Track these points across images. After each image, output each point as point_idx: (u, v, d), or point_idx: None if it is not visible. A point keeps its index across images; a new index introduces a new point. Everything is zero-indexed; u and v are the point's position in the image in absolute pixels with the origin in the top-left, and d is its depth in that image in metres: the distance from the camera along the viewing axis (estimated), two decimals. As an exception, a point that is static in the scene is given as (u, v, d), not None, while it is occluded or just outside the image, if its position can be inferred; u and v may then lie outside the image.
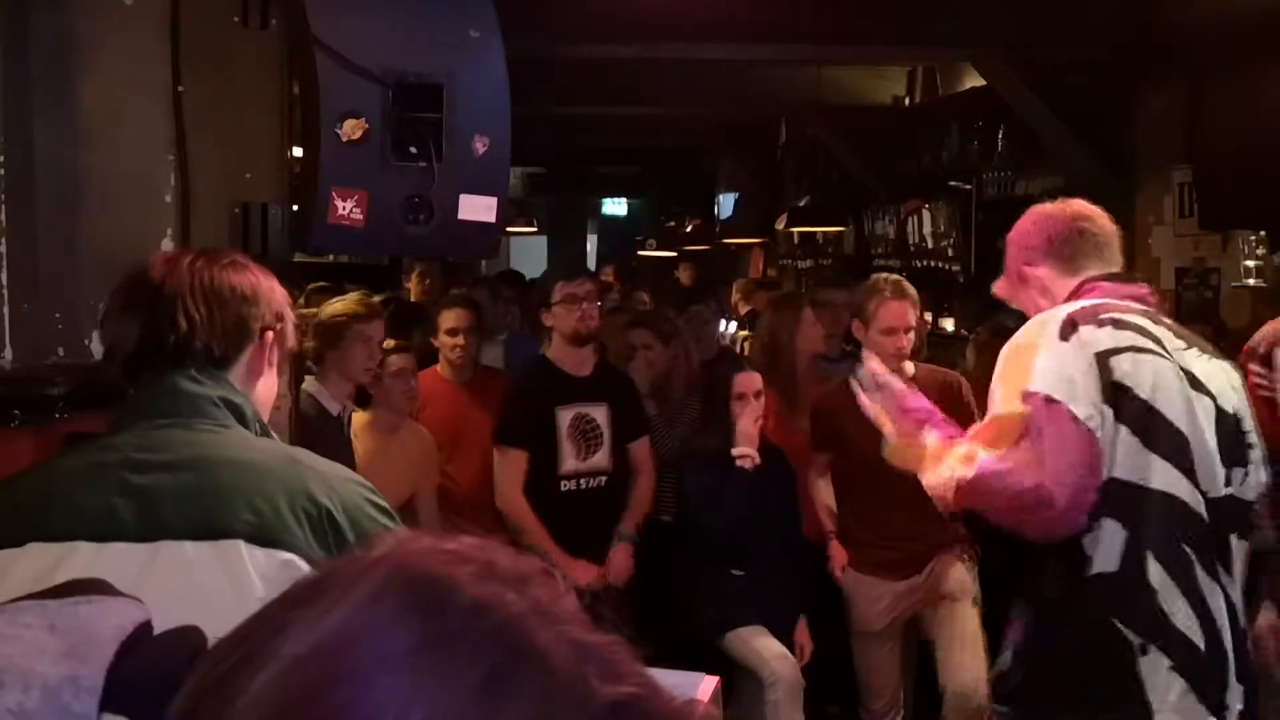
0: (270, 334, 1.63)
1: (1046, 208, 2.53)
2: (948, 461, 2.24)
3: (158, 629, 1.39)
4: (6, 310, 2.01)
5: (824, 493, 4.34)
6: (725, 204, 12.44)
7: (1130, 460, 2.14)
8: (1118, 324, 2.23)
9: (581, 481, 4.24)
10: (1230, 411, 2.26)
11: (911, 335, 4.05)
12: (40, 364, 1.97)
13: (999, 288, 2.60)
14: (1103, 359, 2.17)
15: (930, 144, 8.33)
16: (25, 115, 2.11)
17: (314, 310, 3.78)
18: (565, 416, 4.20)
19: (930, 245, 8.55)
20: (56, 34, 2.18)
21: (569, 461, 4.21)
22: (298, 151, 2.40)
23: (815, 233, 10.59)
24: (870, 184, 9.38)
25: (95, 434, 1.63)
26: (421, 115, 2.28)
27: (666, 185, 15.31)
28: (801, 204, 9.59)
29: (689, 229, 12.90)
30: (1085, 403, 2.13)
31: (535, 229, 14.02)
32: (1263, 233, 5.23)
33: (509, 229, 11.18)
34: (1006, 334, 2.45)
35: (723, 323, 8.04)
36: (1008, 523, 2.19)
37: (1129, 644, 2.13)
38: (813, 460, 4.36)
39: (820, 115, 9.09)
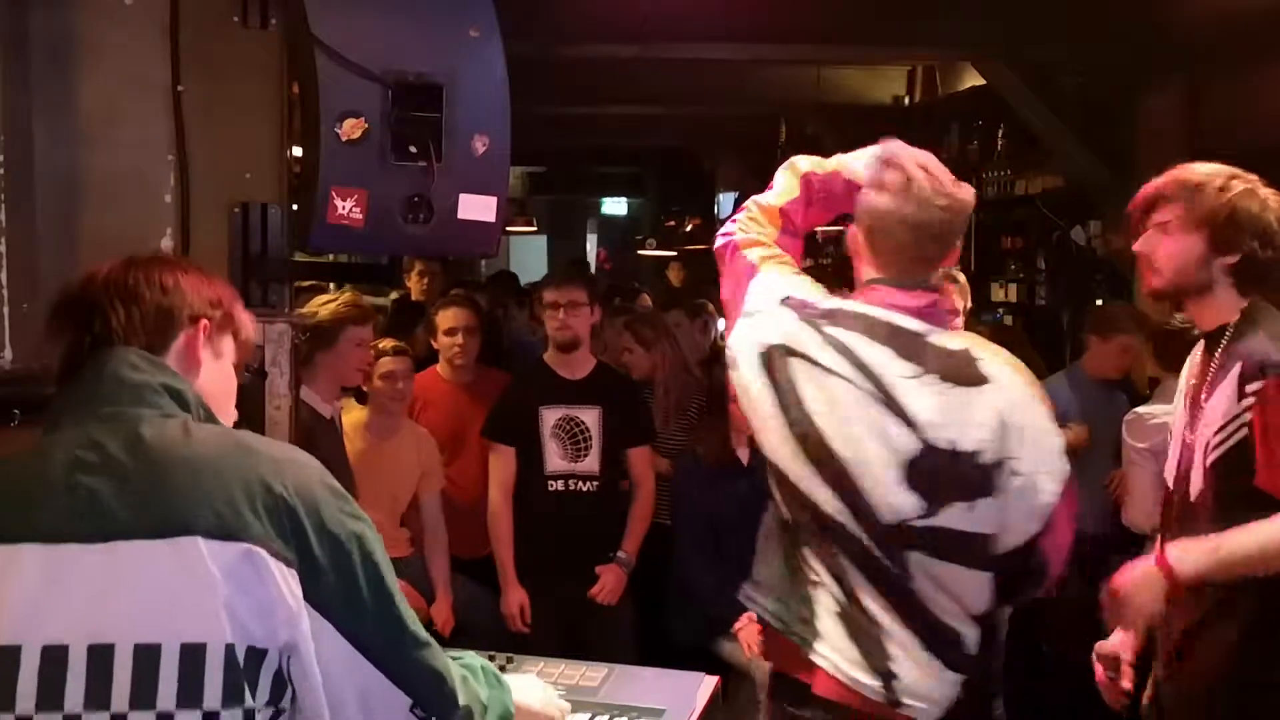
0: (204, 322, 1.59)
1: None
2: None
3: (125, 628, 1.41)
4: (6, 310, 2.01)
5: None
6: (725, 204, 12.42)
7: None
8: None
9: (570, 483, 4.28)
10: (944, 447, 2.08)
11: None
12: (40, 364, 1.97)
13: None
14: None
15: (930, 144, 8.30)
16: (25, 115, 2.11)
17: (313, 310, 3.72)
18: (550, 417, 4.27)
19: (930, 245, 8.54)
20: (56, 34, 2.18)
21: (554, 461, 4.27)
22: (297, 151, 2.40)
23: (815, 232, 10.56)
24: (870, 184, 9.35)
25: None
26: (421, 115, 2.28)
27: (666, 185, 15.30)
28: (801, 204, 9.55)
29: (689, 229, 12.89)
30: None
31: (535, 229, 14.02)
32: (1263, 233, 5.21)
33: (509, 228, 11.18)
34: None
35: (721, 322, 8.04)
36: None
37: None
38: None
39: (820, 115, 9.08)
